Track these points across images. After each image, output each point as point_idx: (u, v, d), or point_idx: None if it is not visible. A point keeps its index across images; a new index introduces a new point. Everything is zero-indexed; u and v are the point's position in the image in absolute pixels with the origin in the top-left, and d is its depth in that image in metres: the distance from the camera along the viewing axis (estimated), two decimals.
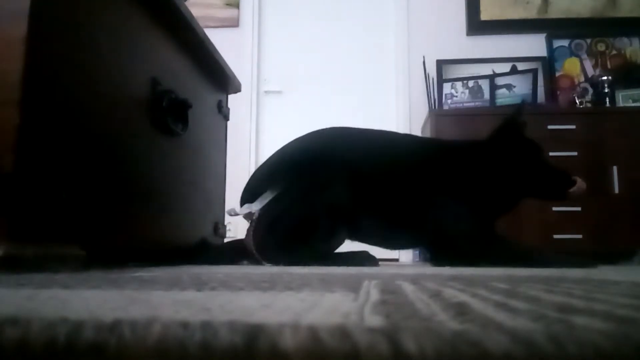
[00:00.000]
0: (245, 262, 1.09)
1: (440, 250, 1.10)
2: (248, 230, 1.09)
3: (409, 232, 1.12)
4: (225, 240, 1.37)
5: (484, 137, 1.22)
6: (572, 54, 2.47)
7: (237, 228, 2.11)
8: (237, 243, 1.17)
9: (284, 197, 1.03)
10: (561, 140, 2.06)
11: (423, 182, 1.10)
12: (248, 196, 1.09)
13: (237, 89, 1.44)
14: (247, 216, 1.09)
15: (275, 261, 1.02)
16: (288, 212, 1.02)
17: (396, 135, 1.25)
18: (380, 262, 1.09)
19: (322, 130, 1.18)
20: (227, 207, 1.37)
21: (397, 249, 1.02)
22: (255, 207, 1.05)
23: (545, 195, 1.19)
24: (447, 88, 2.40)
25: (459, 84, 2.38)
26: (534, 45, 2.49)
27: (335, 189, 1.03)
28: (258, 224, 1.04)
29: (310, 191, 1.03)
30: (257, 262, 1.09)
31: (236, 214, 1.09)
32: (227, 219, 1.39)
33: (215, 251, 1.17)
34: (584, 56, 2.46)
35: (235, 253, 1.10)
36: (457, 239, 1.04)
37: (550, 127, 2.08)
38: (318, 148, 1.11)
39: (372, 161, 1.11)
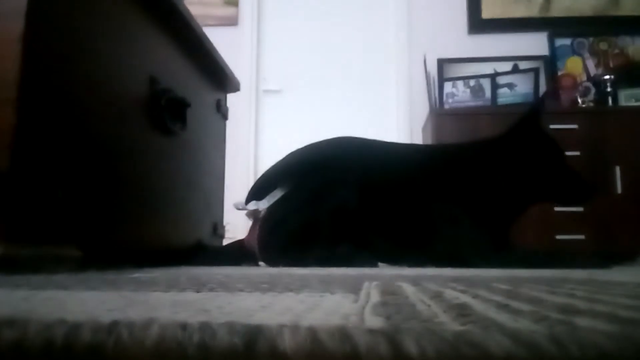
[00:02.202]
0: (244, 264, 1.09)
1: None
2: (251, 228, 1.08)
3: (420, 247, 1.07)
4: (225, 240, 1.36)
5: (501, 133, 1.16)
6: (574, 52, 2.46)
7: (236, 228, 2.11)
8: (236, 245, 1.16)
9: (293, 198, 1.03)
10: (563, 140, 2.02)
11: (433, 193, 1.07)
12: (256, 193, 1.09)
13: (236, 88, 1.44)
14: (252, 214, 1.09)
15: (275, 262, 1.02)
16: (295, 213, 1.02)
17: (405, 146, 1.24)
18: (380, 263, 1.08)
19: (338, 138, 1.18)
20: (227, 207, 1.38)
21: (405, 265, 1.00)
22: (262, 204, 1.05)
23: (561, 201, 1.16)
24: (448, 87, 2.39)
25: (460, 83, 2.37)
26: (535, 44, 2.49)
27: (344, 195, 1.03)
28: (264, 222, 1.04)
29: (320, 195, 1.02)
30: (255, 262, 1.09)
31: (244, 209, 1.08)
32: (227, 219, 1.39)
33: (214, 253, 1.17)
34: (586, 55, 2.45)
35: (235, 256, 1.10)
36: (470, 259, 0.99)
37: (552, 126, 2.07)
38: (332, 155, 1.11)
39: (382, 173, 1.10)
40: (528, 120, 1.15)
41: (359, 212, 1.04)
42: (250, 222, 1.13)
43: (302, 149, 1.16)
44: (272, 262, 1.04)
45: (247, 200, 1.10)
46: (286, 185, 1.05)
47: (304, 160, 1.10)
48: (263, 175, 1.14)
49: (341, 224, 1.03)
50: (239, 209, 1.10)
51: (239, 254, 1.10)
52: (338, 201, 1.02)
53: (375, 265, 1.03)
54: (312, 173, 1.05)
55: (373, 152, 1.15)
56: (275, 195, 1.04)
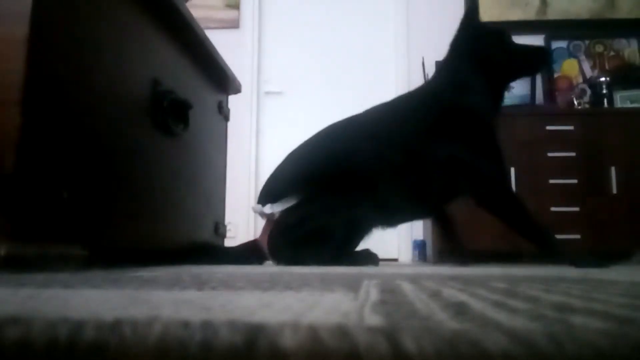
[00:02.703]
0: (255, 263, 1.10)
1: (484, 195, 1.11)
2: (264, 228, 1.10)
3: (441, 194, 1.14)
4: (226, 240, 1.37)
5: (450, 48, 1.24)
6: (571, 55, 2.47)
7: (237, 229, 2.11)
8: (250, 244, 1.18)
9: (306, 205, 1.05)
10: (560, 141, 2.06)
11: (428, 138, 1.11)
12: (268, 196, 1.11)
13: (237, 89, 1.44)
14: (266, 215, 1.10)
15: (283, 262, 1.03)
16: (308, 221, 1.04)
17: (379, 108, 1.27)
18: (379, 262, 1.09)
19: (325, 130, 1.19)
20: (228, 207, 1.39)
21: (425, 218, 1.08)
22: (277, 208, 1.07)
23: (523, 74, 1.27)
24: None
25: None
26: None
27: (357, 198, 1.04)
28: (277, 225, 1.06)
29: (333, 204, 1.04)
30: (261, 262, 1.11)
31: (262, 212, 1.10)
32: (228, 218, 1.39)
33: (227, 253, 1.18)
34: (582, 57, 2.46)
35: (248, 255, 1.12)
36: (494, 181, 1.07)
37: (548, 128, 2.08)
38: (333, 153, 1.12)
39: (373, 143, 1.11)
40: (466, 23, 1.22)
41: (375, 204, 1.07)
42: (264, 222, 1.15)
43: (305, 149, 1.16)
44: (279, 262, 1.06)
45: (261, 202, 1.12)
46: (298, 193, 1.06)
47: (312, 166, 1.10)
48: (273, 178, 1.15)
49: (358, 226, 1.05)
50: (256, 212, 1.13)
51: (249, 253, 1.12)
52: (348, 206, 1.03)
53: (376, 262, 1.04)
54: (322, 179, 1.06)
55: (361, 128, 1.17)
56: (289, 201, 1.06)
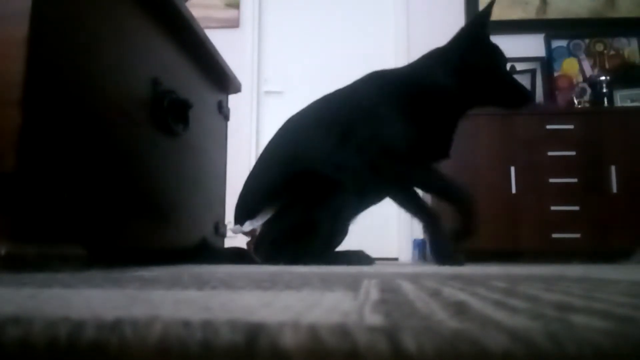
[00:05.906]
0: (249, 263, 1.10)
1: None
2: (248, 244, 1.09)
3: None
4: (226, 240, 1.37)
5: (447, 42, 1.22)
6: (571, 54, 2.47)
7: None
8: (240, 249, 1.17)
9: (286, 213, 1.04)
10: (560, 140, 2.07)
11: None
12: (245, 213, 1.09)
13: (237, 89, 1.45)
14: (250, 233, 1.09)
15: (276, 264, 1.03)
16: (294, 226, 1.03)
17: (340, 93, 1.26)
18: (379, 262, 1.09)
19: (284, 130, 1.18)
20: (228, 207, 1.38)
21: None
22: (257, 223, 1.06)
23: (499, 105, 1.18)
24: None
25: None
26: (532, 45, 2.49)
27: (332, 188, 1.04)
28: (261, 238, 1.05)
29: (311, 203, 1.03)
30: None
31: (241, 232, 1.09)
32: (228, 218, 1.39)
33: (218, 253, 1.18)
34: (583, 56, 2.47)
35: (239, 257, 1.11)
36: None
37: (548, 126, 2.08)
38: (297, 150, 1.09)
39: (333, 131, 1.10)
40: (471, 30, 1.21)
41: (355, 192, 1.06)
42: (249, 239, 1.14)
43: (268, 157, 1.15)
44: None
45: (238, 221, 1.10)
46: (274, 203, 1.05)
47: (280, 174, 1.07)
48: (245, 196, 1.12)
49: (337, 218, 1.04)
50: (235, 233, 1.11)
51: (245, 255, 1.11)
52: (326, 199, 1.03)
53: (371, 262, 1.04)
54: (293, 183, 1.05)
55: (317, 116, 1.16)
56: (268, 213, 1.05)
